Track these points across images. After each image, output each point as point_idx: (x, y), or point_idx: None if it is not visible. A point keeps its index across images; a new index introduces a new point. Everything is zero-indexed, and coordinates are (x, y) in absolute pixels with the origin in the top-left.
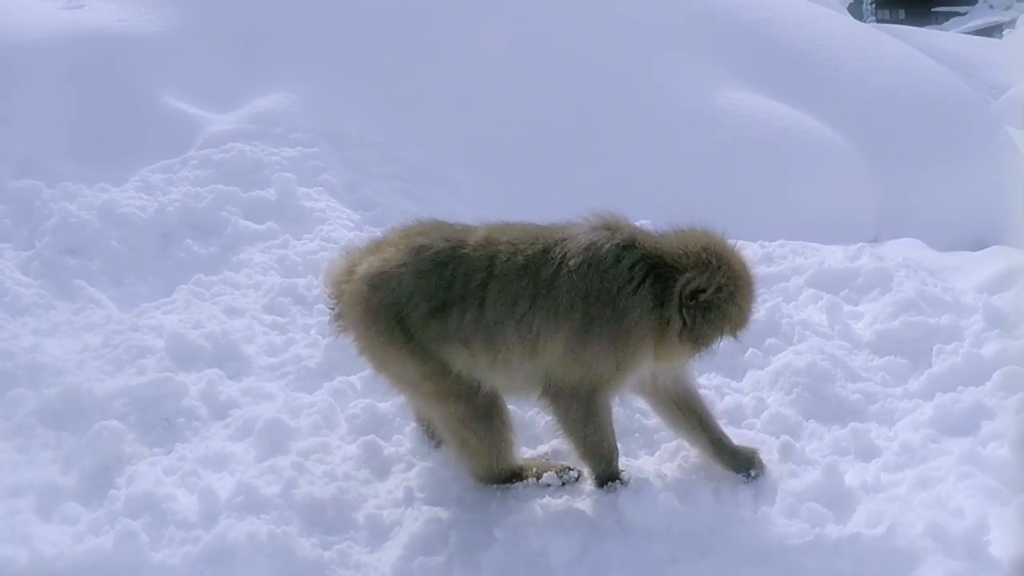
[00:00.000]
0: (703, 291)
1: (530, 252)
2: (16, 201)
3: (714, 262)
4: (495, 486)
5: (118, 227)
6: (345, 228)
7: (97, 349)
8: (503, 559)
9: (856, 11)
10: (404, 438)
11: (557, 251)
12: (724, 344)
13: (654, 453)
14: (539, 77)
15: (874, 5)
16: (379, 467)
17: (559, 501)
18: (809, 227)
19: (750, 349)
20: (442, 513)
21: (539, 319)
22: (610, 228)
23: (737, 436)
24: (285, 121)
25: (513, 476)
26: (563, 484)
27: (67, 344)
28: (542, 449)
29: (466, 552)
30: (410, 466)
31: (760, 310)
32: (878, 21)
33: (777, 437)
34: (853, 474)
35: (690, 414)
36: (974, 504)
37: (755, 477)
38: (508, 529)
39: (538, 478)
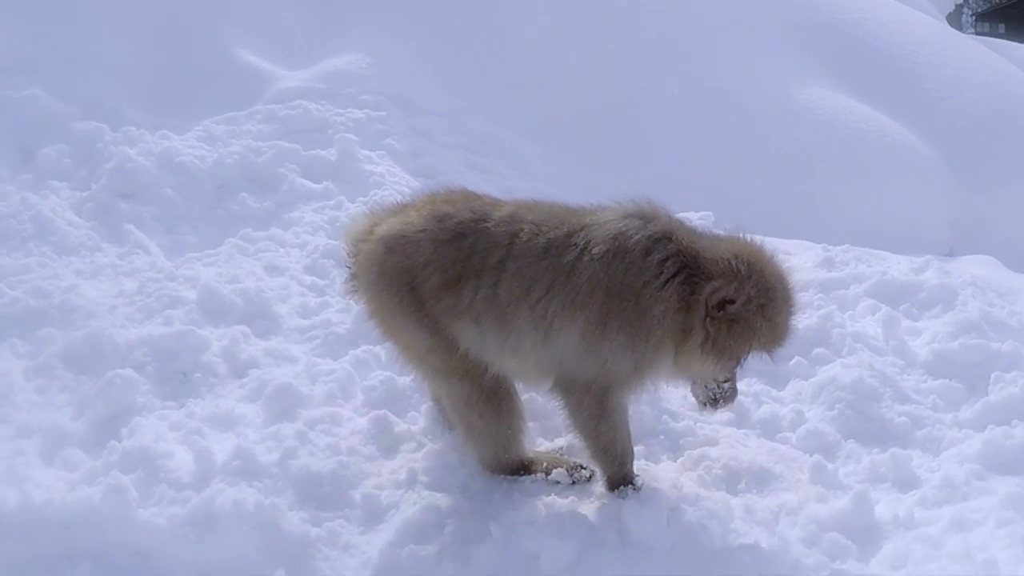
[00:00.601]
0: (731, 302)
1: (553, 235)
2: (79, 142)
3: (744, 271)
4: (502, 477)
5: (175, 175)
6: (401, 194)
7: (131, 295)
8: (494, 557)
9: (955, 22)
10: (419, 416)
11: (582, 236)
12: (754, 360)
13: (676, 459)
14: (619, 59)
15: (974, 17)
16: (387, 444)
17: (564, 501)
18: (881, 233)
19: (796, 357)
20: (443, 500)
21: (555, 306)
22: (643, 217)
23: (767, 450)
24: (356, 83)
25: (522, 468)
26: (573, 483)
27: (105, 288)
28: (559, 442)
29: (458, 545)
30: (419, 446)
31: (812, 316)
32: (977, 33)
33: (810, 455)
34: (886, 505)
35: None
36: (1011, 556)
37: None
38: (505, 526)
39: (548, 473)
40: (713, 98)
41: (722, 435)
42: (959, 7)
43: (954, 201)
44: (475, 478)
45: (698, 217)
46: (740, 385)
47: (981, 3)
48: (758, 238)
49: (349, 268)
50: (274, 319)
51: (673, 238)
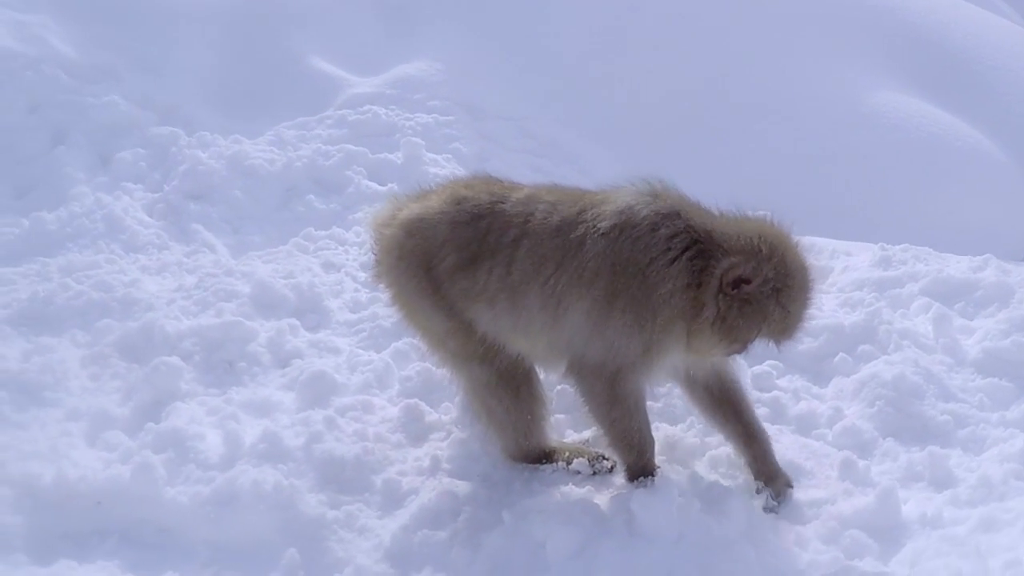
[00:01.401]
0: (747, 281)
1: (567, 213)
2: (155, 146)
3: (766, 251)
4: (524, 465)
5: (244, 177)
6: None
7: (190, 290)
8: (503, 544)
9: None
10: (452, 406)
11: (592, 213)
12: (764, 347)
13: (705, 453)
14: (687, 64)
15: None
16: (416, 433)
17: (580, 491)
18: (952, 238)
19: (840, 354)
20: (462, 487)
21: (563, 284)
22: (654, 194)
23: (800, 446)
24: (425, 88)
25: (543, 457)
26: (594, 473)
27: (166, 283)
28: (586, 434)
29: (470, 531)
30: (448, 435)
31: (859, 313)
32: None
33: (839, 450)
34: (915, 504)
35: (723, 404)
36: None
37: (768, 500)
38: (517, 513)
39: (568, 463)
40: (782, 101)
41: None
42: None
43: None
44: (497, 467)
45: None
46: (781, 381)
47: None
48: (786, 223)
49: (374, 254)
50: (325, 313)
51: (683, 214)
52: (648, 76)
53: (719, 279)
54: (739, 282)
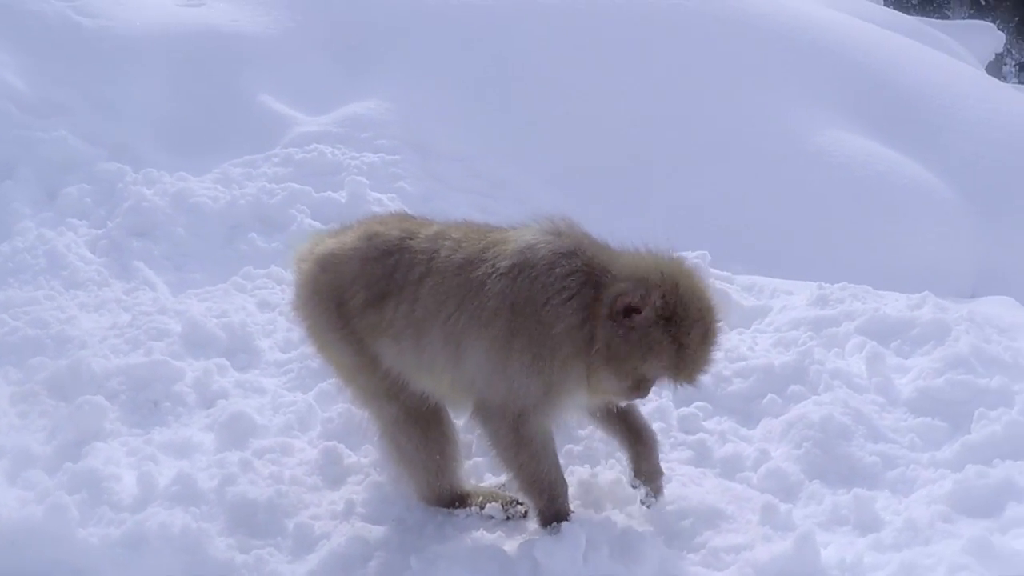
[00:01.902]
0: (636, 310)
1: (470, 250)
2: (102, 182)
3: (657, 280)
4: (438, 509)
5: (187, 215)
6: None
7: (123, 328)
8: None
9: (995, 72)
10: (374, 449)
11: (493, 252)
12: (671, 389)
13: (620, 497)
14: (636, 104)
15: (1017, 67)
16: (333, 476)
17: (491, 536)
18: (898, 275)
19: (769, 395)
20: (375, 531)
21: (463, 323)
22: (556, 232)
23: (722, 490)
24: (373, 127)
25: (456, 500)
26: (508, 518)
27: (102, 320)
28: (504, 478)
29: None
30: (366, 478)
31: (790, 354)
32: (1020, 83)
33: (761, 494)
34: (835, 549)
35: (616, 416)
36: None
37: (649, 499)
38: (425, 560)
39: (482, 508)
40: (728, 141)
41: (676, 473)
42: (999, 56)
43: (977, 244)
44: (412, 511)
45: (694, 255)
46: (708, 423)
47: None
48: (689, 258)
49: (294, 290)
50: (255, 352)
51: (581, 252)
52: (596, 116)
53: (608, 307)
54: (628, 311)
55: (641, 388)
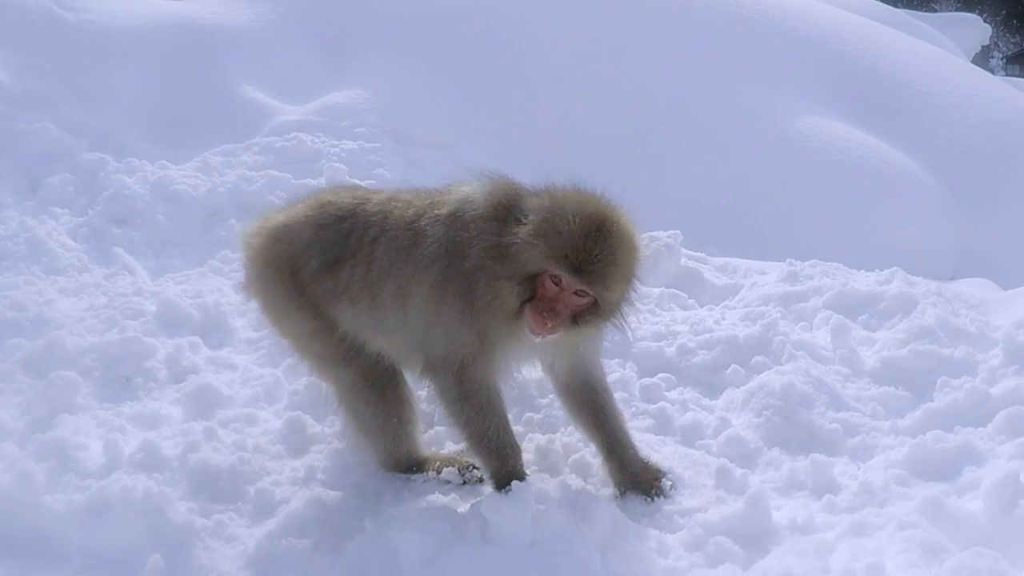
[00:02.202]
0: (521, 217)
1: (420, 207)
2: (84, 171)
3: (546, 195)
4: (397, 475)
5: (167, 202)
6: None
7: (99, 309)
8: (361, 552)
9: (982, 64)
10: (337, 419)
11: (439, 203)
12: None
13: (568, 459)
14: (616, 90)
15: (1004, 60)
16: (297, 445)
17: (445, 499)
18: (878, 259)
19: (733, 366)
20: (333, 496)
21: (408, 275)
22: (491, 183)
23: (680, 456)
24: (352, 115)
25: (414, 465)
26: (464, 482)
27: (79, 303)
28: (463, 445)
29: (334, 539)
30: (328, 447)
31: (755, 326)
32: (1007, 75)
33: (718, 459)
34: (788, 511)
35: (584, 408)
36: (902, 561)
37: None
38: (379, 522)
39: (439, 472)
40: (709, 126)
41: (635, 440)
42: (986, 49)
43: (956, 226)
44: (371, 477)
45: (666, 235)
46: (671, 393)
47: (1011, 46)
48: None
49: (245, 268)
50: (228, 331)
51: (506, 199)
52: (575, 101)
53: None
54: (518, 222)
55: (537, 295)
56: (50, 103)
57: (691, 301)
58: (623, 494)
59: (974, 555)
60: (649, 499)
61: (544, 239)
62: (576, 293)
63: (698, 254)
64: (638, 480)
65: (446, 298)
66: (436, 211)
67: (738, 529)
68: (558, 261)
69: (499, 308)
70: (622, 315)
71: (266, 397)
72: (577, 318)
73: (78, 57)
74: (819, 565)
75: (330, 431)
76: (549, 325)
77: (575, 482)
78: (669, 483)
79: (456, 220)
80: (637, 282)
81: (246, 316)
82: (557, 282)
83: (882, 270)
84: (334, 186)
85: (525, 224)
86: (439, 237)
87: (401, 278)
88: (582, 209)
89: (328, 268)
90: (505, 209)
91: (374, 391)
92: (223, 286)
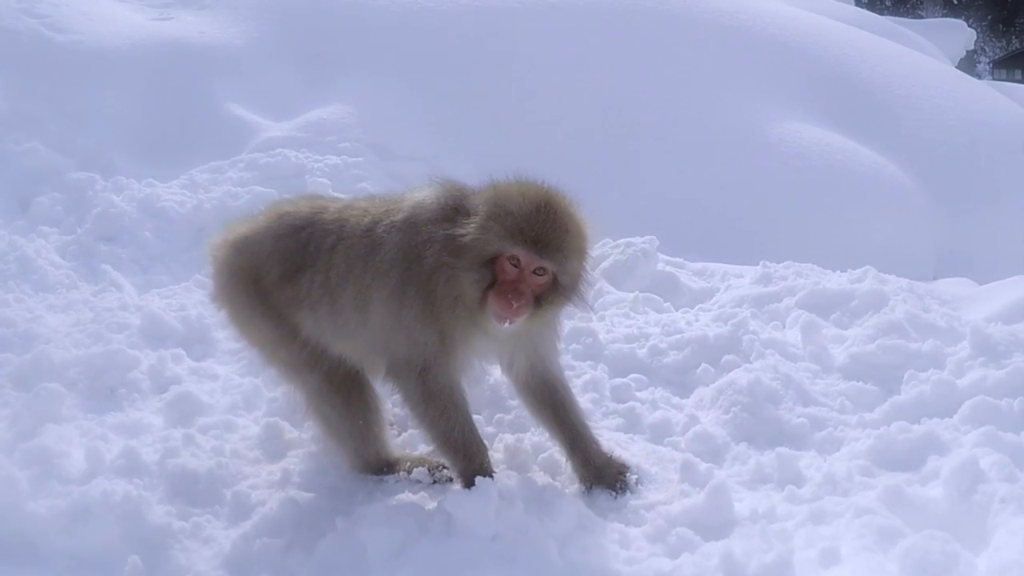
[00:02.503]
0: (470, 210)
1: (376, 214)
2: (72, 190)
3: (491, 188)
4: (369, 476)
5: (154, 219)
6: None
7: (86, 324)
8: (332, 549)
9: (969, 69)
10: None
11: (393, 210)
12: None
13: (538, 457)
14: (598, 98)
15: (991, 65)
16: (274, 450)
17: (415, 497)
18: (860, 263)
19: (703, 365)
20: (307, 498)
21: (367, 280)
22: (444, 188)
23: (647, 452)
24: (336, 131)
25: (385, 466)
26: (434, 482)
27: (67, 319)
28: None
29: (307, 538)
30: (304, 452)
31: (725, 326)
32: (994, 79)
33: (684, 454)
34: (750, 502)
35: (545, 406)
36: (857, 546)
37: (616, 498)
38: (350, 520)
39: (410, 472)
40: (690, 131)
41: (604, 439)
42: (971, 53)
43: (937, 228)
44: (345, 480)
45: (642, 241)
46: (642, 393)
47: (997, 50)
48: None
49: (211, 279)
50: (211, 343)
51: (457, 202)
52: (556, 111)
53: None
54: (468, 215)
55: (498, 279)
56: (39, 123)
57: (666, 305)
58: (589, 489)
59: (926, 537)
60: (614, 494)
61: (496, 221)
62: (535, 272)
63: (676, 259)
64: (602, 475)
65: (405, 301)
66: (391, 218)
67: (699, 520)
68: (514, 239)
69: (460, 302)
70: (581, 292)
71: (245, 405)
72: (540, 299)
73: (67, 78)
74: (763, 547)
75: (306, 436)
76: (515, 307)
77: (541, 479)
78: (634, 477)
79: (410, 225)
80: (590, 258)
81: (228, 329)
82: (516, 263)
83: (854, 269)
84: (293, 196)
85: (476, 215)
86: (396, 242)
87: (360, 284)
88: (528, 190)
89: (289, 277)
90: (454, 209)
91: (339, 395)
92: (207, 299)
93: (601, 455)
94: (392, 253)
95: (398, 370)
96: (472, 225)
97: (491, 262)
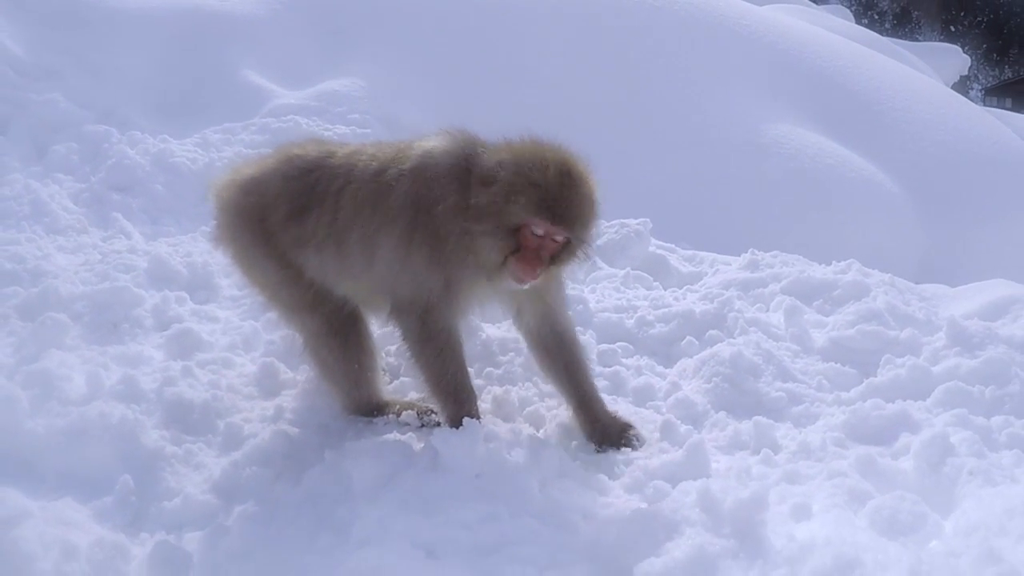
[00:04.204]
0: (489, 175)
1: (384, 160)
2: (88, 142)
3: (505, 149)
4: (360, 418)
5: (166, 173)
6: None
7: (93, 264)
8: (319, 479)
9: (962, 95)
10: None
11: (402, 157)
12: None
13: (523, 411)
14: (604, 88)
15: (983, 92)
16: (269, 388)
17: (403, 436)
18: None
19: (687, 337)
20: (298, 433)
21: (375, 224)
22: (451, 137)
23: (630, 412)
24: (347, 102)
25: (375, 409)
26: (422, 425)
27: (75, 259)
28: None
29: (296, 469)
30: (298, 392)
31: (712, 303)
32: (985, 106)
33: (665, 416)
34: (726, 462)
35: (557, 361)
36: (827, 503)
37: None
38: (338, 453)
39: (399, 415)
40: (689, 129)
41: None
42: (964, 79)
43: (920, 236)
44: (336, 419)
45: (636, 223)
46: (627, 360)
47: (990, 79)
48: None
49: (215, 220)
50: (214, 289)
51: (466, 151)
52: (564, 98)
53: (472, 184)
54: (486, 180)
55: (521, 246)
56: (60, 76)
57: (656, 283)
58: (600, 445)
59: (896, 498)
60: (617, 451)
61: (523, 194)
62: (554, 238)
63: (669, 245)
64: (608, 433)
65: (412, 247)
66: (400, 165)
67: (677, 474)
68: (541, 212)
69: (471, 257)
70: (589, 252)
71: (244, 345)
72: (553, 258)
73: (89, 35)
74: (739, 486)
75: (301, 378)
76: (536, 271)
77: (527, 429)
78: (635, 435)
79: (419, 175)
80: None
81: (232, 276)
82: (539, 232)
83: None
84: (300, 140)
85: (495, 180)
86: (405, 190)
87: (368, 227)
88: (549, 157)
89: (295, 217)
90: (466, 167)
91: (336, 338)
92: (212, 249)
93: (607, 414)
94: (400, 199)
95: (401, 309)
96: (495, 192)
97: (513, 229)
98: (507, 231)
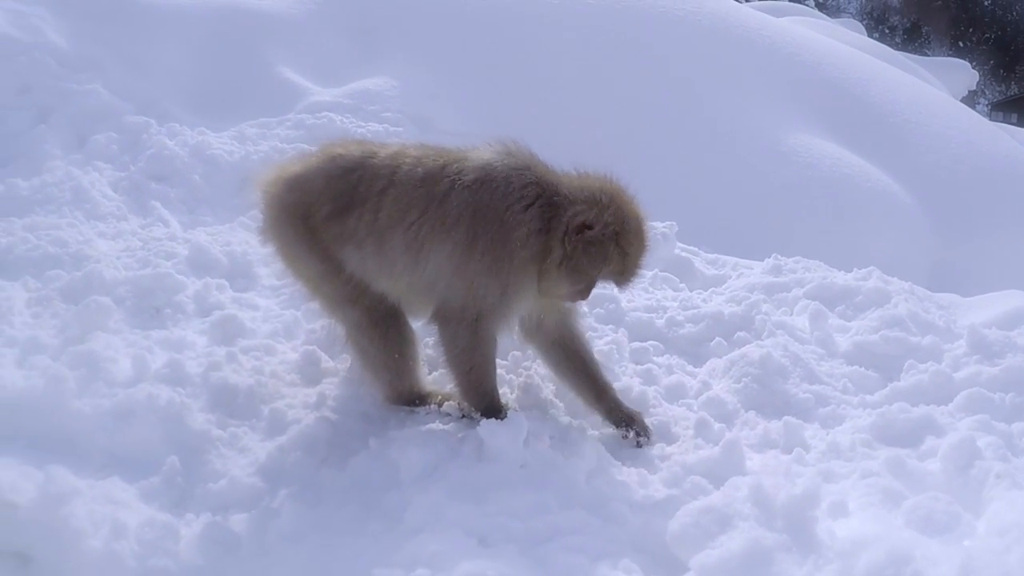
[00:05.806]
0: (590, 227)
1: (431, 166)
2: (128, 132)
3: (605, 201)
4: (402, 408)
5: (204, 165)
6: None
7: (135, 251)
8: (365, 466)
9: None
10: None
11: (455, 168)
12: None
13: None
14: (625, 98)
15: (990, 107)
16: (311, 375)
17: (446, 427)
18: (860, 267)
19: (716, 338)
20: (342, 421)
21: (426, 229)
22: (508, 152)
23: (663, 410)
24: (380, 101)
25: (417, 399)
26: (463, 416)
27: (116, 245)
28: None
29: (340, 456)
30: (340, 380)
31: (740, 306)
32: (992, 121)
33: (698, 414)
34: (760, 460)
35: (574, 358)
36: (863, 502)
37: (636, 437)
38: (382, 441)
39: (440, 405)
40: (709, 134)
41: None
42: (972, 94)
43: (932, 247)
44: (379, 408)
45: (663, 225)
46: (658, 358)
47: (997, 94)
48: (620, 178)
49: (262, 215)
50: (253, 278)
51: (531, 168)
52: (590, 102)
53: (566, 224)
54: (583, 227)
55: (589, 290)
56: (101, 68)
57: (682, 285)
58: (620, 427)
59: (930, 498)
60: (645, 435)
61: (614, 261)
62: None
63: (692, 247)
64: (630, 415)
65: (473, 254)
66: (457, 177)
67: (713, 470)
68: (619, 278)
69: (529, 273)
70: None
71: (285, 333)
72: None
73: (131, 28)
74: (787, 484)
75: (342, 367)
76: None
77: (563, 417)
78: (647, 422)
79: (484, 187)
80: None
81: (271, 266)
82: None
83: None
84: (343, 140)
85: (589, 238)
86: (465, 201)
87: (415, 231)
88: (638, 225)
89: (337, 214)
90: (537, 193)
91: (377, 329)
92: (251, 239)
93: (623, 405)
94: (459, 210)
95: (448, 316)
96: (591, 248)
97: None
98: (588, 284)
